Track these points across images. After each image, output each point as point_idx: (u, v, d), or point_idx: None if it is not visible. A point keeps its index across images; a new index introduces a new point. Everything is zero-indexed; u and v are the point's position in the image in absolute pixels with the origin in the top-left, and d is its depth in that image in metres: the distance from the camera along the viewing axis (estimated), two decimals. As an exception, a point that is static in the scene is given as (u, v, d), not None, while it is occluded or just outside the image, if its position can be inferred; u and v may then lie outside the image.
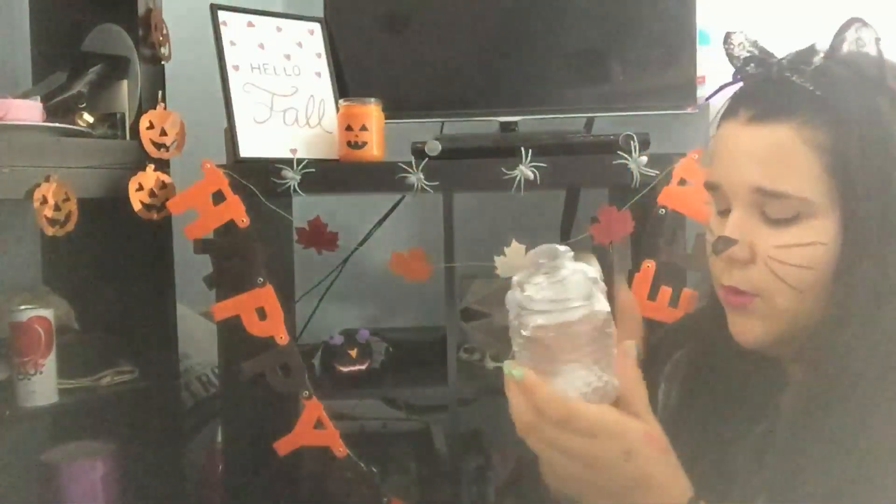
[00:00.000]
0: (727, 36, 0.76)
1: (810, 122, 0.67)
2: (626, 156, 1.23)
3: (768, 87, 0.70)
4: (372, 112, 1.33)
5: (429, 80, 1.49)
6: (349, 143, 1.32)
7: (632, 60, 1.45)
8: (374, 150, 1.33)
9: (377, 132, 1.33)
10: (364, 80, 1.47)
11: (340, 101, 1.37)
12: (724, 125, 0.73)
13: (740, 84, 0.75)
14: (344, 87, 1.46)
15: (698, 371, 0.82)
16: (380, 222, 1.65)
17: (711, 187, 0.75)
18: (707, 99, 0.82)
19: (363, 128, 1.32)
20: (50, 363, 1.26)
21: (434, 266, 1.37)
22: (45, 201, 1.20)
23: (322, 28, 1.46)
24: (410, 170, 1.27)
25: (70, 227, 1.24)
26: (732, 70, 0.76)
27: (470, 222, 1.49)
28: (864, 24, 0.70)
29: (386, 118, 1.35)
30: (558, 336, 0.62)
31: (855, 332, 0.65)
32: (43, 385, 1.25)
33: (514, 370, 0.65)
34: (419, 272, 1.35)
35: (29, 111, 1.24)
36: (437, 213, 1.41)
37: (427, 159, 1.30)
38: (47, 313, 1.27)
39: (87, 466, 1.33)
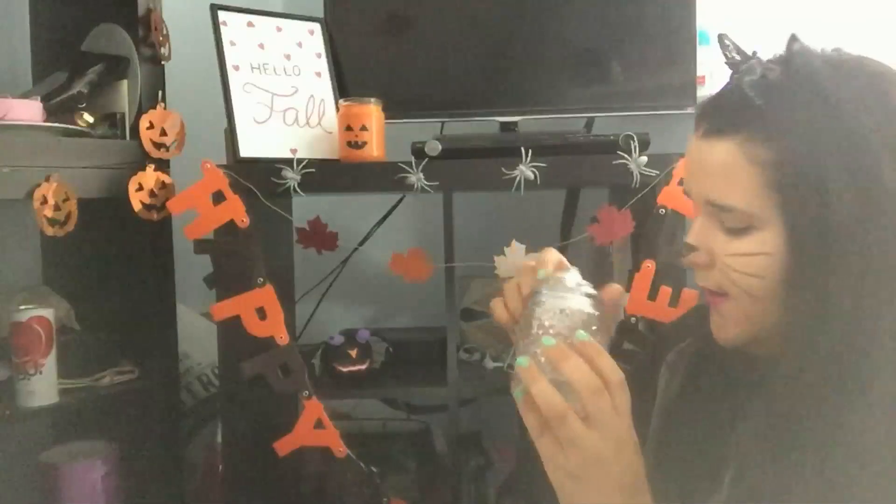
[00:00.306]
0: (720, 38, 0.78)
1: (754, 138, 0.69)
2: (626, 156, 1.23)
3: (723, 101, 0.73)
4: (372, 112, 1.33)
5: (429, 80, 1.49)
6: (349, 143, 1.32)
7: (632, 60, 1.45)
8: (374, 150, 1.33)
9: (377, 132, 1.33)
10: (364, 80, 1.47)
11: (340, 101, 1.37)
12: (691, 137, 0.76)
13: None
14: (344, 87, 1.46)
15: (700, 363, 0.83)
16: (380, 222, 1.65)
17: (686, 194, 0.79)
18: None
19: (363, 128, 1.32)
20: (50, 363, 1.26)
21: (434, 266, 1.37)
22: (45, 201, 1.20)
23: (322, 28, 1.46)
24: (410, 170, 1.27)
25: (70, 227, 1.24)
26: (730, 72, 0.78)
27: (470, 222, 1.49)
28: (798, 39, 0.72)
29: (386, 118, 1.35)
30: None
31: (802, 340, 0.68)
32: (43, 385, 1.25)
33: (519, 358, 0.74)
34: (419, 272, 1.35)
35: (29, 111, 1.24)
36: (437, 213, 1.41)
37: (427, 159, 1.30)
38: (47, 313, 1.27)
39: (87, 466, 1.33)
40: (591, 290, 0.76)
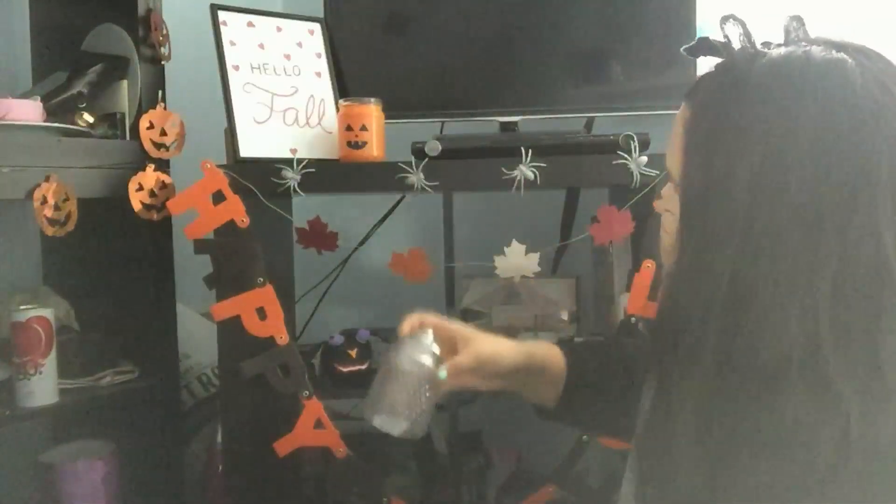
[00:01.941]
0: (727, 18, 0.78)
1: (687, 102, 0.73)
2: (626, 156, 1.23)
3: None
4: (372, 112, 1.33)
5: (429, 80, 1.49)
6: (349, 143, 1.33)
7: (632, 60, 1.45)
8: (374, 150, 1.33)
9: (377, 132, 1.33)
10: (364, 80, 1.47)
11: (340, 101, 1.37)
12: None
13: None
14: (344, 87, 1.46)
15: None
16: (380, 222, 1.65)
17: None
18: None
19: (363, 128, 1.32)
20: (50, 363, 1.26)
21: (434, 266, 1.37)
22: (45, 201, 1.20)
23: (322, 28, 1.46)
24: (410, 170, 1.27)
25: (70, 227, 1.24)
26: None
27: (470, 222, 1.49)
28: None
29: (386, 118, 1.35)
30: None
31: (674, 304, 0.70)
32: (43, 385, 1.25)
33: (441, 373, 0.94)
34: (419, 272, 1.35)
35: (29, 111, 1.24)
36: (437, 213, 1.41)
37: (427, 159, 1.30)
38: (47, 313, 1.27)
39: (87, 466, 1.33)
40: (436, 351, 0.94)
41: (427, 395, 0.93)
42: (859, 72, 0.65)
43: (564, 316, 1.57)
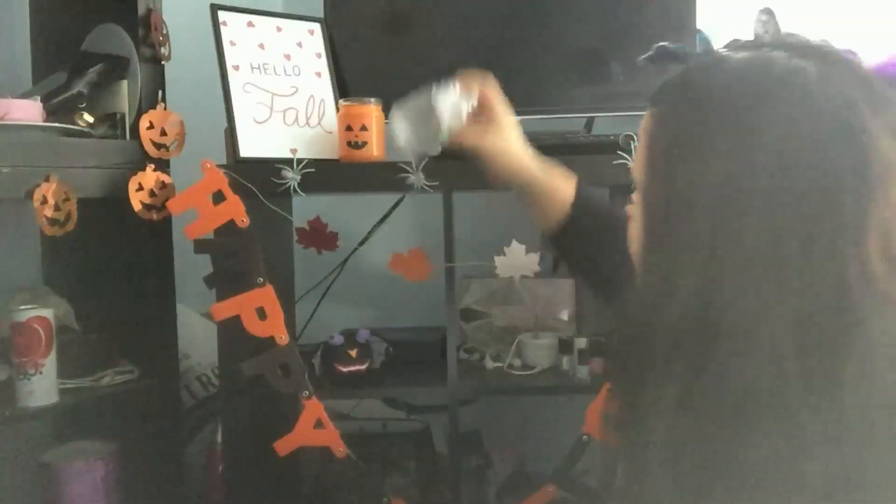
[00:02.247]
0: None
1: (652, 108, 0.71)
2: (626, 156, 1.23)
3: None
4: (372, 112, 1.33)
5: (429, 80, 1.49)
6: (349, 143, 1.33)
7: (632, 60, 1.45)
8: (374, 150, 1.33)
9: (377, 132, 1.33)
10: (364, 80, 1.47)
11: (340, 101, 1.37)
12: None
13: None
14: (344, 87, 1.46)
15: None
16: (380, 222, 1.65)
17: None
18: None
19: (363, 128, 1.32)
20: (50, 363, 1.26)
21: (434, 266, 1.37)
22: (45, 201, 1.20)
23: (322, 28, 1.46)
24: (410, 170, 1.27)
25: (70, 227, 1.24)
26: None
27: (470, 222, 1.49)
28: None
29: (386, 118, 1.35)
30: None
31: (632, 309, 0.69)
32: (43, 385, 1.25)
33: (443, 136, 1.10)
34: (419, 272, 1.35)
35: (29, 111, 1.24)
36: (437, 213, 1.41)
37: (427, 159, 1.30)
38: (47, 313, 1.27)
39: (87, 466, 1.33)
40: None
41: (441, 129, 1.10)
42: (821, 86, 0.62)
43: (564, 316, 1.57)
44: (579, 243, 1.10)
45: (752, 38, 0.73)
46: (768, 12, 0.72)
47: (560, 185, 1.11)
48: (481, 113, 1.13)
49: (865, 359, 0.58)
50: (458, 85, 1.13)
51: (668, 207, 0.65)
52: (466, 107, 1.11)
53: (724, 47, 0.70)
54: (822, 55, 0.64)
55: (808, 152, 0.60)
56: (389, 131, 1.16)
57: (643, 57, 0.77)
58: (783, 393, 0.59)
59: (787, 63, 0.64)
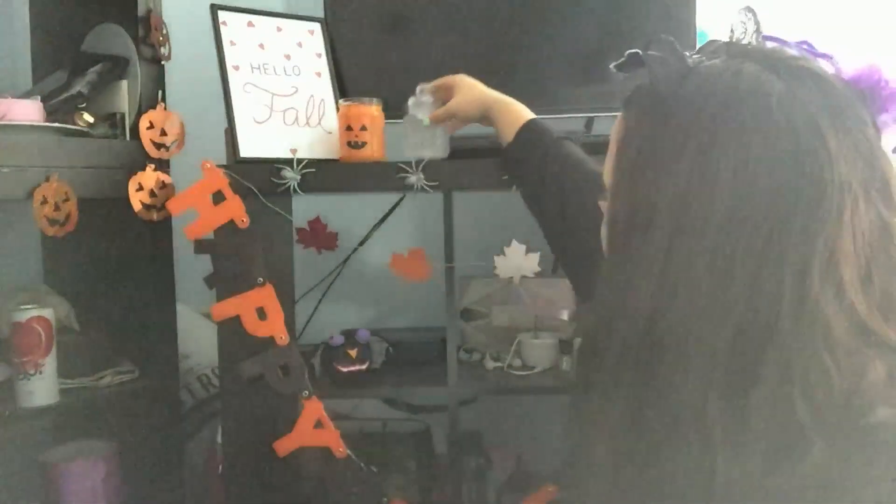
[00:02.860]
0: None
1: (624, 113, 0.71)
2: (625, 156, 1.23)
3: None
4: (372, 112, 1.33)
5: (429, 80, 1.49)
6: (349, 143, 1.32)
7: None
8: (374, 150, 1.33)
9: (377, 132, 1.33)
10: (364, 80, 1.47)
11: (340, 101, 1.37)
12: None
13: None
14: (344, 87, 1.46)
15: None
16: (380, 222, 1.65)
17: None
18: None
19: (363, 128, 1.32)
20: (50, 363, 1.26)
21: (434, 266, 1.37)
22: (45, 201, 1.20)
23: (322, 28, 1.46)
24: (410, 170, 1.28)
25: (70, 227, 1.24)
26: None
27: (470, 222, 1.49)
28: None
29: (386, 118, 1.35)
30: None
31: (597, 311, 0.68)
32: (43, 385, 1.25)
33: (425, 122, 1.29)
34: (419, 272, 1.35)
35: (29, 111, 1.24)
36: (437, 213, 1.41)
37: (427, 159, 1.30)
38: (47, 313, 1.27)
39: (87, 466, 1.33)
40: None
41: (436, 130, 1.32)
42: (786, 105, 0.61)
43: (564, 316, 1.57)
44: (520, 170, 1.20)
45: (730, 37, 0.72)
46: (749, 11, 0.70)
47: (508, 118, 1.23)
48: (441, 93, 1.31)
49: (778, 384, 0.58)
50: (425, 90, 1.32)
51: (628, 218, 0.65)
52: (429, 99, 1.32)
53: (699, 51, 0.68)
54: (793, 69, 0.63)
55: (764, 176, 0.60)
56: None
57: (614, 64, 0.76)
58: (706, 411, 0.59)
59: (756, 78, 0.62)
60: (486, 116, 1.26)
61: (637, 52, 0.69)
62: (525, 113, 1.23)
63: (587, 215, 1.01)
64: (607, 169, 0.71)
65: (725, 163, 0.60)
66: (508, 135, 1.21)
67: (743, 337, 0.59)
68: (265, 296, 1.24)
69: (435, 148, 1.32)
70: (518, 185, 1.21)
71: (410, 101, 1.33)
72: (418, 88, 1.33)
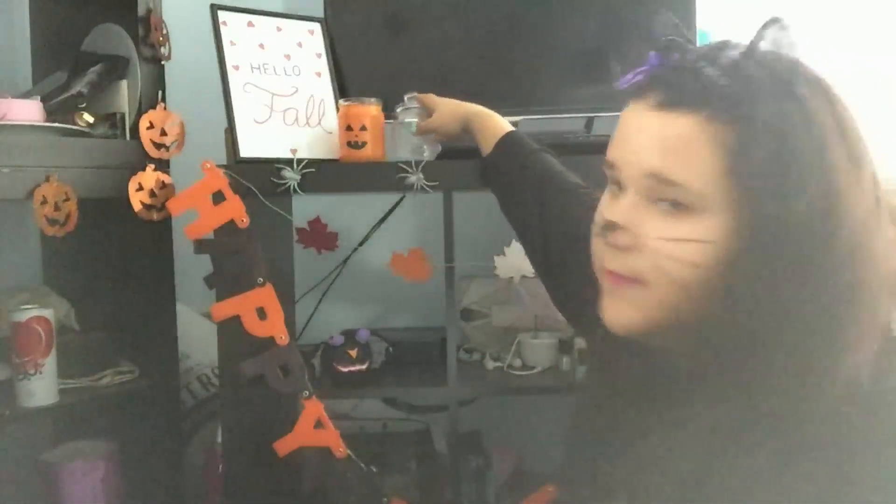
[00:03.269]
0: (655, 16, 0.76)
1: (717, 117, 0.64)
2: (626, 156, 1.23)
3: (681, 75, 0.68)
4: (372, 112, 1.33)
5: (429, 80, 1.49)
6: (349, 143, 1.32)
7: (632, 60, 1.45)
8: (374, 150, 1.33)
9: (377, 132, 1.33)
10: (364, 80, 1.47)
11: (340, 101, 1.37)
12: (631, 105, 0.72)
13: (652, 68, 0.74)
14: (344, 87, 1.46)
15: (593, 357, 0.82)
16: (380, 222, 1.65)
17: (609, 166, 0.73)
18: (622, 85, 0.80)
19: (363, 128, 1.32)
20: (50, 363, 1.26)
21: (434, 266, 1.37)
22: (45, 201, 1.20)
23: (322, 28, 1.46)
24: (410, 170, 1.27)
25: (70, 227, 1.24)
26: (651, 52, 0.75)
27: (470, 222, 1.49)
28: (784, 26, 0.67)
29: (386, 118, 1.35)
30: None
31: (738, 335, 0.64)
32: (43, 385, 1.26)
33: (412, 129, 1.33)
34: (419, 272, 1.35)
35: (29, 111, 1.24)
36: (437, 213, 1.41)
37: (427, 159, 1.30)
38: (47, 313, 1.27)
39: (87, 466, 1.34)
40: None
41: (421, 140, 1.35)
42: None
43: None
44: (500, 180, 1.20)
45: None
46: (779, 25, 0.69)
47: (499, 126, 1.23)
48: (426, 108, 1.34)
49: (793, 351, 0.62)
50: (412, 100, 1.35)
51: (782, 221, 0.62)
52: (417, 106, 1.35)
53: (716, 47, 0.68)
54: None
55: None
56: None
57: (652, 50, 0.74)
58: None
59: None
60: (466, 130, 1.28)
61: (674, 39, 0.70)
62: (504, 125, 1.23)
63: (567, 226, 1.02)
64: (702, 175, 0.65)
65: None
66: (488, 146, 1.22)
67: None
68: (265, 296, 1.24)
69: (420, 154, 1.35)
70: (497, 195, 1.20)
71: (399, 108, 1.35)
72: (406, 97, 1.35)
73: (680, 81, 0.67)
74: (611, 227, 0.69)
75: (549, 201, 1.08)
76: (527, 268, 1.34)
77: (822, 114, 0.64)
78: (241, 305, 1.24)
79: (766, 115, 0.63)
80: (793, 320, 0.62)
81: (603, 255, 0.71)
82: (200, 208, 1.24)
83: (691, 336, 0.68)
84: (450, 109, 1.30)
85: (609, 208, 0.71)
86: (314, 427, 1.25)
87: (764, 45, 0.67)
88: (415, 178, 1.28)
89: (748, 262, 0.63)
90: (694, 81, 0.66)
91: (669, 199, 0.66)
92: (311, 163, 1.29)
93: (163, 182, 1.34)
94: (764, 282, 0.63)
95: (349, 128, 1.32)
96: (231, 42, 1.35)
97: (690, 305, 0.67)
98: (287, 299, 1.34)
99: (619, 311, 0.70)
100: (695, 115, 0.65)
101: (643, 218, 0.67)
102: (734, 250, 0.64)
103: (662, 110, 0.67)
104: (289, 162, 1.27)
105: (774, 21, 0.67)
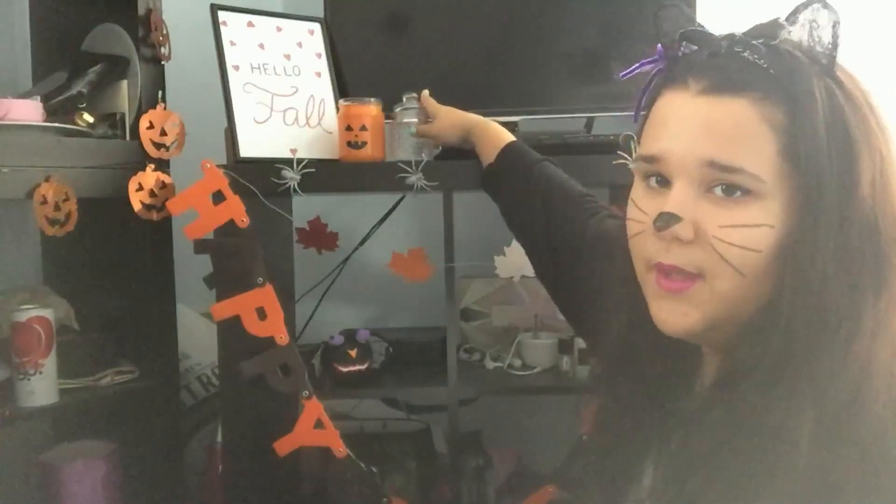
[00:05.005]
0: (658, 11, 0.75)
1: (766, 98, 0.63)
2: (626, 156, 1.23)
3: (718, 61, 0.67)
4: (372, 112, 1.33)
5: (429, 80, 1.49)
6: (349, 143, 1.33)
7: (631, 60, 1.44)
8: (374, 150, 1.33)
9: (377, 132, 1.33)
10: (364, 80, 1.47)
11: (340, 101, 1.37)
12: (669, 95, 0.69)
13: (657, 61, 0.74)
14: (344, 87, 1.46)
15: (617, 355, 0.79)
16: (380, 222, 1.65)
17: (649, 160, 0.69)
18: (623, 76, 0.79)
19: (363, 128, 1.32)
20: (50, 363, 1.26)
21: (434, 266, 1.37)
22: (45, 201, 1.20)
23: (322, 28, 1.46)
24: (410, 170, 1.28)
25: (70, 227, 1.24)
26: (660, 46, 0.75)
27: (470, 222, 1.49)
28: (825, 5, 0.65)
29: (386, 118, 1.35)
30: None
31: (796, 320, 0.63)
32: (43, 385, 1.25)
33: (411, 130, 1.34)
34: (419, 272, 1.35)
35: (29, 111, 1.24)
36: (437, 213, 1.41)
37: (427, 159, 1.30)
38: (47, 313, 1.27)
39: (87, 466, 1.33)
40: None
41: (419, 141, 1.35)
42: None
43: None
44: (503, 190, 1.20)
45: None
46: (812, 7, 0.69)
47: (500, 136, 1.23)
48: (426, 113, 1.35)
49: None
50: (413, 100, 1.36)
51: (840, 198, 0.62)
52: (416, 106, 1.36)
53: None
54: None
55: None
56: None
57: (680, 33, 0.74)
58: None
59: None
60: (466, 139, 1.28)
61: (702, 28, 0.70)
62: (505, 135, 1.23)
63: (572, 235, 1.02)
64: (761, 160, 0.63)
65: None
66: (489, 156, 1.22)
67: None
68: (265, 296, 1.24)
69: (420, 155, 1.35)
70: (500, 205, 1.20)
71: (398, 108, 1.36)
72: (405, 96, 1.36)
73: (722, 66, 0.66)
74: (669, 218, 0.65)
75: (555, 210, 1.08)
76: (527, 268, 1.34)
77: (859, 96, 0.65)
78: (241, 305, 1.24)
79: (812, 92, 0.63)
80: (852, 306, 0.62)
81: (653, 253, 0.68)
82: (200, 208, 1.24)
83: (743, 330, 0.67)
84: (450, 119, 1.31)
85: (658, 201, 0.67)
86: (314, 427, 1.25)
87: (799, 28, 0.66)
88: (415, 178, 1.28)
89: (806, 244, 0.62)
90: (737, 65, 0.66)
91: (728, 183, 0.64)
92: (311, 163, 1.29)
93: (163, 182, 1.34)
94: (823, 265, 0.62)
95: (349, 128, 1.32)
96: (231, 42, 1.35)
97: (747, 295, 0.65)
98: (287, 299, 1.34)
99: (676, 313, 0.67)
100: (744, 97, 0.64)
101: (699, 207, 0.65)
102: (794, 233, 0.63)
103: (709, 96, 0.65)
104: (289, 162, 1.27)
105: (812, 1, 0.66)
